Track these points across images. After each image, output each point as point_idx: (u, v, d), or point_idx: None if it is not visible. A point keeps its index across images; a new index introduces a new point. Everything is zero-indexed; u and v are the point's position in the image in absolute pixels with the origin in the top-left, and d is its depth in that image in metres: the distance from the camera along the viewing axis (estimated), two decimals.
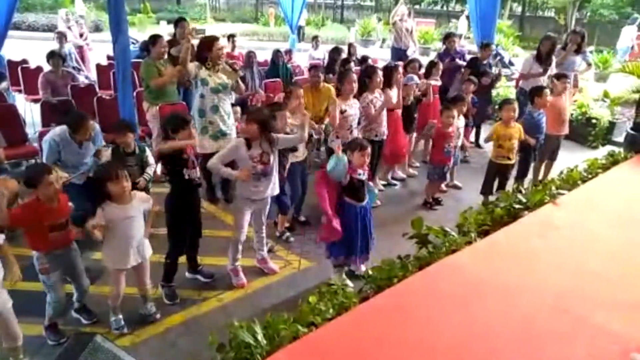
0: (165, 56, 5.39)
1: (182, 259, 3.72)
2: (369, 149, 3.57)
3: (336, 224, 3.42)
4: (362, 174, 3.55)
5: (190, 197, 3.54)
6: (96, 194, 3.00)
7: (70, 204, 3.09)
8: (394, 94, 5.19)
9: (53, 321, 3.15)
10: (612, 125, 7.74)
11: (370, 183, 4.00)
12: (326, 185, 3.46)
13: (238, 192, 3.70)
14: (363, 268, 3.71)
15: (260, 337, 2.16)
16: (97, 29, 17.35)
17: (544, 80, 6.52)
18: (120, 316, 3.26)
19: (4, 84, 6.26)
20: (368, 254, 3.73)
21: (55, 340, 3.12)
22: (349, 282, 3.54)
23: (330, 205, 3.45)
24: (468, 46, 12.13)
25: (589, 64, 7.20)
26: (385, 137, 5.14)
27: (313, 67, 5.61)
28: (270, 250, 4.22)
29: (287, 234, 4.51)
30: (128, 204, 3.04)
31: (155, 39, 5.38)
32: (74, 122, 3.82)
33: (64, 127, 3.88)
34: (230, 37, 9.45)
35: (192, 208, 3.60)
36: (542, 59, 6.63)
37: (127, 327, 3.26)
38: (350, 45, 8.43)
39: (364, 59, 7.13)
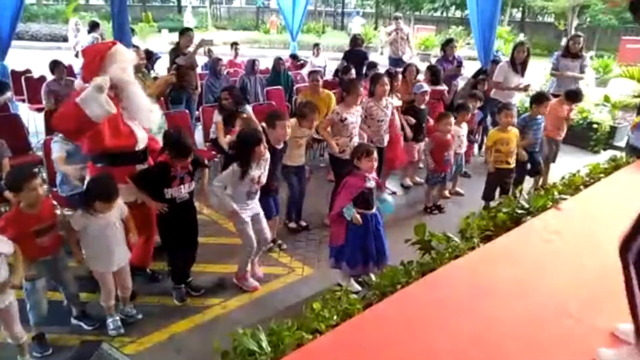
0: (144, 68, 5.17)
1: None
2: (375, 154, 3.58)
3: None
4: (371, 181, 3.56)
5: (178, 214, 3.43)
6: (82, 204, 3.04)
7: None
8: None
9: (39, 331, 3.07)
10: (613, 129, 7.75)
11: (386, 192, 4.01)
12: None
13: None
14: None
15: (264, 344, 2.16)
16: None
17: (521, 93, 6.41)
18: (117, 317, 3.26)
19: (8, 94, 6.29)
20: (372, 265, 3.61)
21: (39, 352, 3.02)
22: (357, 286, 3.55)
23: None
24: (465, 52, 12.14)
25: (583, 72, 6.72)
26: (384, 146, 5.12)
27: (312, 72, 5.58)
28: (279, 247, 4.37)
29: (279, 241, 4.44)
30: (107, 211, 3.05)
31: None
32: None
33: None
34: (233, 45, 9.54)
35: (182, 222, 3.50)
36: (517, 68, 6.21)
37: (129, 333, 3.26)
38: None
39: (373, 65, 7.15)
